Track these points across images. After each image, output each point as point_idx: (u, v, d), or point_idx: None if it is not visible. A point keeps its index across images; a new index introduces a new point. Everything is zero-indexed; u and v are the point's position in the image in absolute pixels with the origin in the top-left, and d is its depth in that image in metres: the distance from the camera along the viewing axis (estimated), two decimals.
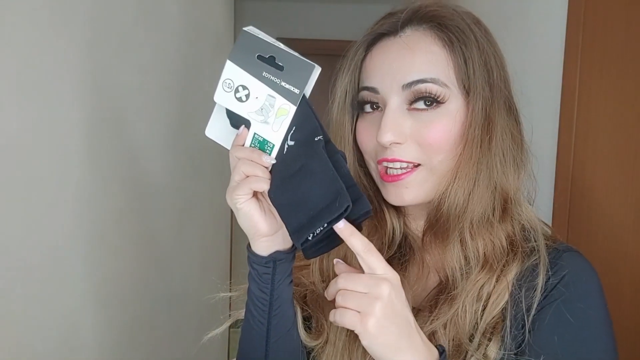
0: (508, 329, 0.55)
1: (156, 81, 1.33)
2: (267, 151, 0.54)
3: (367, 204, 0.51)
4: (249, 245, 0.58)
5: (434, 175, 0.59)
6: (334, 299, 0.52)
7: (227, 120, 0.57)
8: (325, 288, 0.64)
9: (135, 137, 1.20)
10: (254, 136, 0.55)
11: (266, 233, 0.56)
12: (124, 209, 1.13)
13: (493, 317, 0.56)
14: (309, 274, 0.66)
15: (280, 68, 0.53)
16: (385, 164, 0.59)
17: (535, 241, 0.59)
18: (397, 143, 0.58)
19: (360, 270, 0.52)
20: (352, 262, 0.61)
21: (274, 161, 0.54)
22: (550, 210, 1.25)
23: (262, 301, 0.58)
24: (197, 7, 1.79)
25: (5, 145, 0.72)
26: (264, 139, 0.54)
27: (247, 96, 0.54)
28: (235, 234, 2.69)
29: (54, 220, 0.85)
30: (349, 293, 0.50)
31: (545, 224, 0.63)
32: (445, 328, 0.57)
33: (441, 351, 0.52)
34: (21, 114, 0.75)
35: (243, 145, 0.55)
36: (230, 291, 0.68)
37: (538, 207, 0.65)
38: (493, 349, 0.55)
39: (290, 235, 0.52)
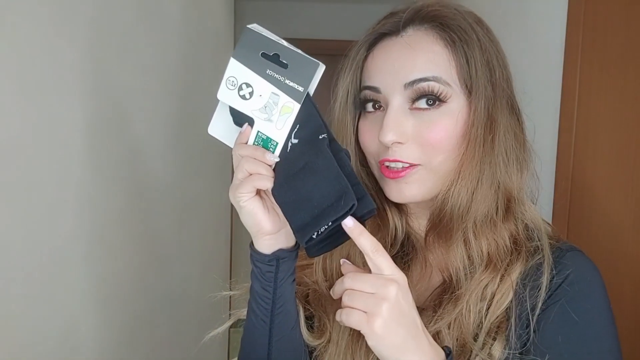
0: (513, 329, 0.55)
1: (156, 81, 1.33)
2: (271, 149, 0.54)
3: (371, 202, 0.51)
4: (251, 244, 0.58)
5: (434, 175, 0.59)
6: (338, 299, 0.52)
7: (231, 118, 0.57)
8: (328, 287, 0.64)
9: (136, 137, 1.20)
10: (257, 134, 0.55)
11: (269, 231, 0.56)
12: (124, 209, 1.12)
13: (497, 317, 0.56)
14: (311, 273, 0.66)
15: (285, 66, 0.53)
16: (386, 163, 0.59)
17: (538, 240, 0.59)
18: (399, 143, 0.58)
19: (365, 270, 0.52)
20: (356, 261, 0.61)
21: (277, 159, 0.54)
22: (551, 210, 1.25)
23: (264, 299, 0.58)
24: (197, 7, 1.79)
25: (6, 146, 0.72)
26: (268, 137, 0.54)
27: (251, 94, 0.54)
28: (236, 234, 2.68)
29: (54, 220, 0.84)
30: (356, 293, 0.50)
31: (548, 224, 0.63)
32: (449, 328, 0.57)
33: (447, 353, 0.52)
34: (22, 114, 0.75)
35: (246, 143, 0.55)
36: (231, 290, 0.67)
37: (539, 206, 0.65)
38: (498, 349, 0.55)
39: (294, 233, 0.52)
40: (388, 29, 0.61)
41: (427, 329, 0.54)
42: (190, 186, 1.71)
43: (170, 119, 1.45)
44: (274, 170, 0.54)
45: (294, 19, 3.10)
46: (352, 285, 0.51)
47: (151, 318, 1.32)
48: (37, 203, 0.79)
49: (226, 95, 0.55)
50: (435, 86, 0.57)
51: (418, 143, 0.58)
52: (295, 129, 0.54)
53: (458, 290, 0.58)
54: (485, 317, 0.56)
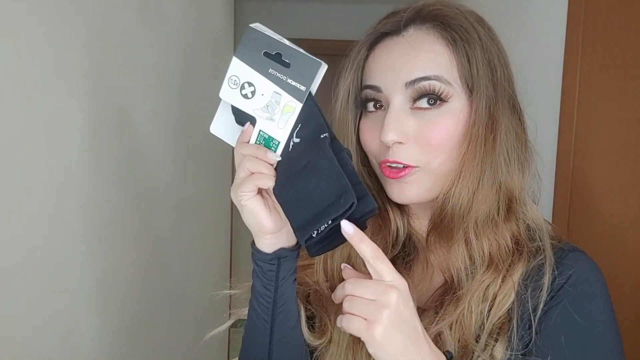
0: (515, 330, 0.55)
1: (156, 81, 1.33)
2: (273, 148, 0.54)
3: (372, 202, 0.51)
4: (253, 243, 0.58)
5: (434, 177, 0.59)
6: (340, 302, 0.52)
7: (232, 117, 0.57)
8: (330, 287, 0.64)
9: (136, 137, 1.20)
10: (259, 133, 0.54)
11: (271, 230, 0.55)
12: (124, 209, 1.12)
13: (499, 318, 0.56)
14: (312, 273, 0.66)
15: (287, 65, 0.53)
16: (387, 164, 0.59)
17: (540, 241, 0.59)
18: (400, 143, 0.58)
19: (366, 273, 0.52)
20: (357, 262, 0.61)
21: (279, 158, 0.54)
22: (550, 210, 1.25)
23: (266, 298, 0.58)
24: (197, 8, 1.79)
25: (6, 146, 0.72)
26: (270, 136, 0.54)
27: (253, 93, 0.54)
28: (236, 234, 2.68)
29: (55, 220, 0.84)
30: (356, 299, 0.50)
31: (550, 224, 0.63)
32: (451, 329, 0.57)
33: (449, 357, 0.52)
34: (22, 114, 0.75)
35: (248, 142, 0.55)
36: (233, 289, 0.67)
37: (539, 206, 0.65)
38: (500, 350, 0.55)
39: (294, 232, 0.52)
40: (389, 28, 0.61)
41: (428, 329, 0.54)
42: (190, 186, 1.71)
43: (170, 119, 1.45)
44: (275, 169, 0.54)
45: (294, 19, 3.10)
46: (352, 292, 0.50)
47: (151, 318, 1.32)
48: (37, 203, 0.79)
49: (228, 94, 0.54)
50: (436, 85, 0.57)
51: (419, 143, 0.58)
52: (297, 128, 0.54)
53: (459, 290, 0.57)
54: (487, 318, 0.56)
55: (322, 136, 0.53)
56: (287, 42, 0.53)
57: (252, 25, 0.54)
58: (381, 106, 0.61)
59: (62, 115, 0.86)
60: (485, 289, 0.57)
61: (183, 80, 1.58)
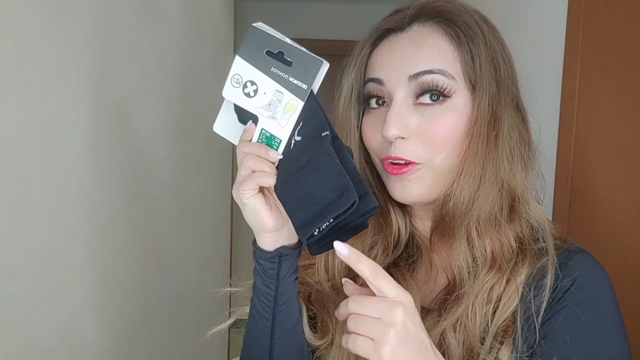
0: (519, 332, 0.55)
1: (157, 81, 1.32)
2: (275, 146, 0.54)
3: (374, 200, 0.51)
4: (254, 241, 0.57)
5: (436, 173, 0.59)
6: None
7: (235, 116, 0.57)
8: (331, 287, 0.63)
9: (136, 137, 1.20)
10: (261, 131, 0.54)
11: (272, 228, 0.55)
12: (125, 209, 1.12)
13: (504, 320, 0.55)
14: (313, 272, 0.66)
15: (289, 64, 0.53)
16: (389, 160, 0.59)
17: (544, 241, 0.59)
18: (402, 138, 0.57)
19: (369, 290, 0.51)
20: None
21: (280, 156, 0.54)
22: (551, 210, 1.25)
23: (267, 297, 0.58)
24: (197, 8, 1.79)
25: (7, 146, 0.71)
26: (272, 135, 0.54)
27: (255, 92, 0.54)
28: (236, 233, 2.68)
29: (55, 220, 0.84)
30: (361, 318, 0.48)
31: (553, 224, 0.63)
32: (455, 331, 0.56)
33: None
34: (22, 114, 0.75)
35: (250, 140, 0.55)
36: (234, 287, 0.67)
37: (542, 206, 0.65)
38: (505, 352, 0.54)
39: (296, 230, 0.52)
40: (393, 25, 0.61)
41: (432, 330, 0.53)
42: (191, 186, 1.71)
43: (170, 119, 1.45)
44: (277, 167, 0.54)
45: (294, 20, 3.10)
46: (356, 310, 0.49)
47: (151, 317, 1.32)
48: (37, 202, 0.79)
49: (231, 93, 0.55)
50: (440, 79, 0.57)
51: (421, 139, 0.57)
52: (299, 127, 0.54)
53: (461, 289, 0.57)
54: (492, 321, 0.56)
55: (323, 134, 0.53)
56: (289, 41, 0.53)
57: (255, 24, 0.54)
58: (384, 102, 0.61)
59: (62, 115, 0.85)
60: (490, 291, 0.56)
61: (183, 80, 1.57)
